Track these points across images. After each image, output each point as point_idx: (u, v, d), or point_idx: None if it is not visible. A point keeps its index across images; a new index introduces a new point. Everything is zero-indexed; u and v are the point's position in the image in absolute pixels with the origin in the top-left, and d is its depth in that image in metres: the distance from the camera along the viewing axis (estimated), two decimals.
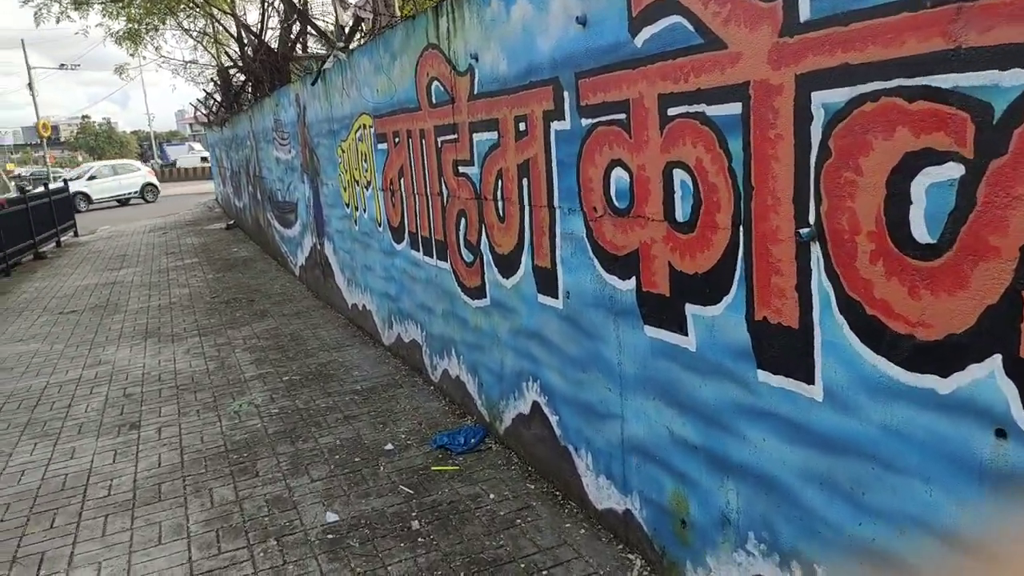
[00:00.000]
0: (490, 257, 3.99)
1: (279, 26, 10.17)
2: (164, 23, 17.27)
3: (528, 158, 3.43)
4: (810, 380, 2.09)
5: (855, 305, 1.91)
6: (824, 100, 1.90)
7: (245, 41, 12.31)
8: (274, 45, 10.41)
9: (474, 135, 3.96)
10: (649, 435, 2.87)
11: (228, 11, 11.37)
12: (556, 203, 3.25)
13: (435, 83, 4.37)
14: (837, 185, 1.91)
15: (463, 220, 4.29)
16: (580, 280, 3.14)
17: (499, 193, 3.77)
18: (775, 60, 2.03)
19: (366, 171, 6.03)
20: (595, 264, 3.02)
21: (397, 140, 5.16)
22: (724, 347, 2.40)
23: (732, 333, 2.35)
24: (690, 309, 2.53)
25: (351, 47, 5.57)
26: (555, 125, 3.16)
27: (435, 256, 4.82)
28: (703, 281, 2.44)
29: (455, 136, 4.20)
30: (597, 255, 3.00)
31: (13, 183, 26.99)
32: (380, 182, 5.70)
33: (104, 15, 15.05)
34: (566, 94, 3.04)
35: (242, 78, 13.40)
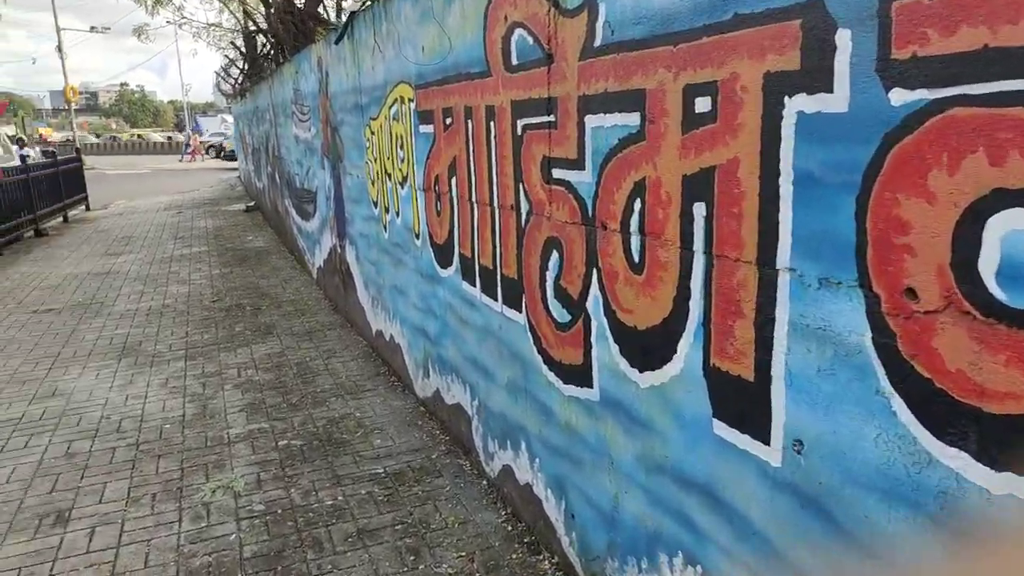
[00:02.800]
0: (606, 325, 2.38)
1: None
2: None
3: (714, 165, 1.80)
4: None
5: None
6: None
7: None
8: (300, 2, 8.85)
9: (589, 118, 2.34)
10: None
11: None
12: (784, 260, 1.62)
13: (518, 33, 2.74)
14: None
15: (555, 254, 2.67)
16: (842, 428, 1.51)
17: (635, 222, 2.14)
18: None
19: (402, 162, 4.44)
20: (894, 408, 1.39)
21: (449, 121, 3.55)
22: None
23: None
24: None
25: None
26: (799, 102, 1.53)
27: (500, 298, 3.22)
28: None
29: (550, 118, 2.58)
30: (906, 391, 1.37)
31: (35, 150, 25.94)
32: (421, 179, 4.10)
33: None
34: (844, 34, 1.40)
35: (266, 42, 11.88)
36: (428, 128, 3.88)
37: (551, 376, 2.80)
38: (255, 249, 10.91)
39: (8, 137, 27.58)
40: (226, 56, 15.68)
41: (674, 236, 1.98)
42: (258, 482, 3.78)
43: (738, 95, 1.71)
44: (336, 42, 5.21)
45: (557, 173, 2.58)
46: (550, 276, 2.73)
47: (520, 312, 3.01)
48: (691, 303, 1.94)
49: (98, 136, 67.71)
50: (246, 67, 14.81)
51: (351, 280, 6.33)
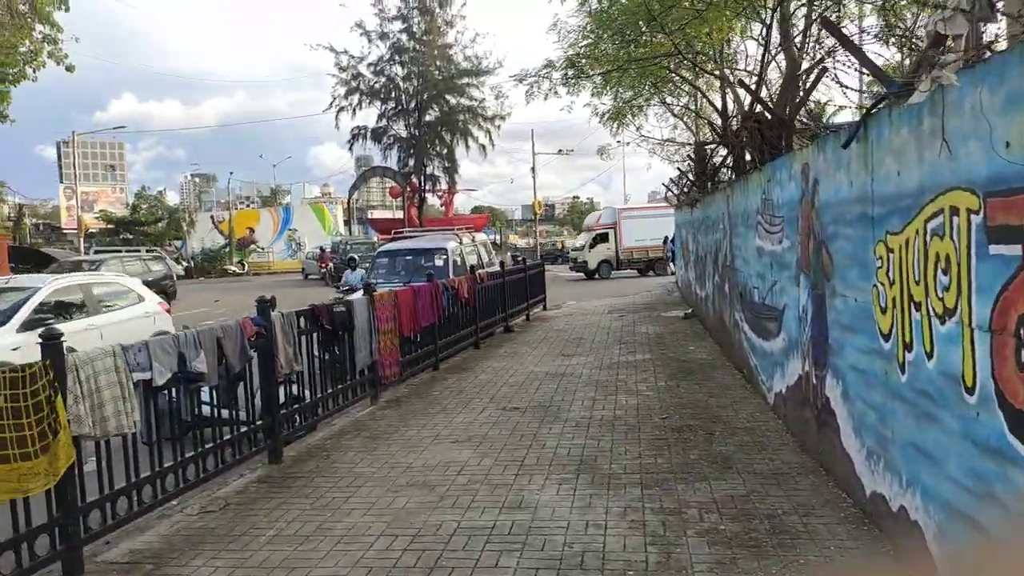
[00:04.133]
0: None
1: (783, 80, 8.15)
2: (648, 103, 16.95)
3: None
4: None
5: None
6: None
7: (730, 111, 10.75)
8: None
9: None
10: None
11: (715, 74, 10.01)
12: None
13: None
14: None
15: None
16: None
17: None
18: None
19: (945, 289, 3.39)
20: None
21: None
22: None
23: None
24: None
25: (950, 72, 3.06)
26: None
27: None
28: None
29: None
30: None
31: (508, 255, 30.54)
32: (985, 316, 3.00)
33: (593, 94, 15.23)
34: None
35: (722, 152, 11.80)
36: (1010, 249, 2.81)
37: None
38: (698, 361, 10.49)
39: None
40: (678, 168, 16.22)
41: None
42: None
43: None
44: (844, 145, 4.45)
45: None
46: None
47: None
48: None
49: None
50: (695, 178, 15.05)
51: (831, 419, 5.29)
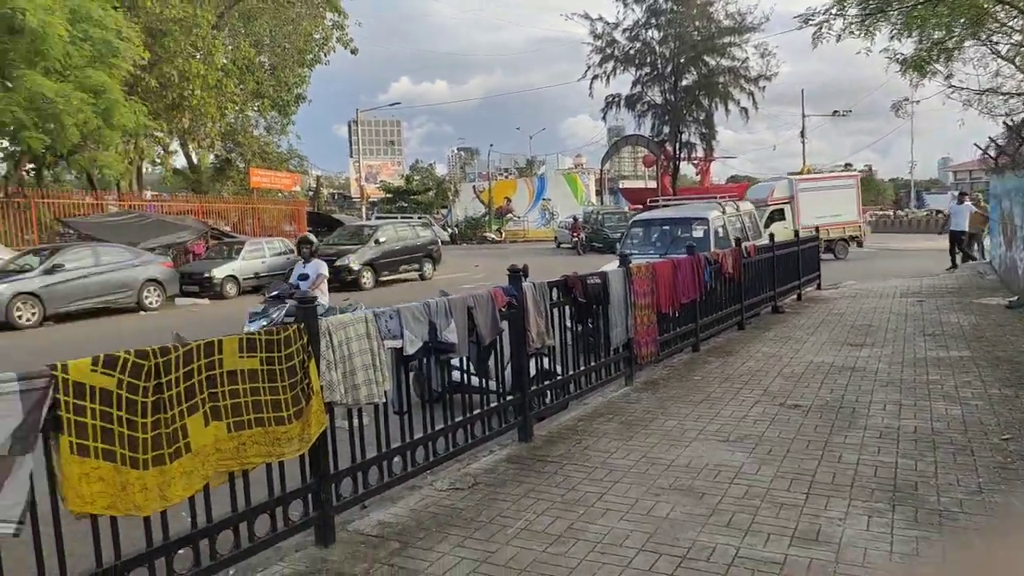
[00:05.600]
0: None
1: None
2: (962, 46, 13.91)
3: None
4: None
5: None
6: None
7: None
8: None
9: None
10: None
11: None
12: None
13: None
14: None
15: None
16: None
17: None
18: None
19: None
20: None
21: None
22: None
23: None
24: None
25: None
26: None
27: None
28: None
29: None
30: None
31: (768, 231, 27.75)
32: None
33: (891, 37, 12.72)
34: None
35: None
36: None
37: None
38: None
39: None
40: (1005, 123, 13.13)
41: None
42: None
43: None
44: None
45: None
46: None
47: None
48: None
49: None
50: None
51: None
